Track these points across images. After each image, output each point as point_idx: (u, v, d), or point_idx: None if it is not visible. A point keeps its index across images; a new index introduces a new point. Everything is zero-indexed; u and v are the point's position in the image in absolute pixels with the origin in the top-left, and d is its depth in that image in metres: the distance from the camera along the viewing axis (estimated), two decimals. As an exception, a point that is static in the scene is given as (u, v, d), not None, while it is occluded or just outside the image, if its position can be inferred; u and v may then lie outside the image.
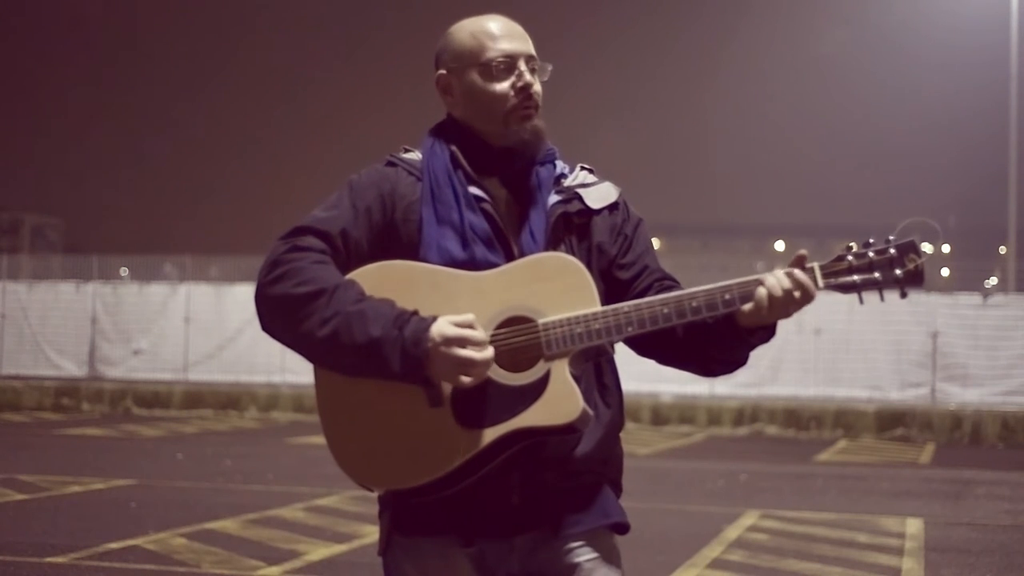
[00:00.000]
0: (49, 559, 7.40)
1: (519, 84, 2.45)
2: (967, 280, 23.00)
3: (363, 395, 2.32)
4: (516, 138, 2.45)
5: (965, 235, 73.66)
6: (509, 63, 2.45)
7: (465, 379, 2.23)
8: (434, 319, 2.25)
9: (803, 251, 2.33)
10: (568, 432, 2.30)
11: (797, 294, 2.28)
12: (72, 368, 22.48)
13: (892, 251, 2.30)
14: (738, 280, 2.32)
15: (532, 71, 2.48)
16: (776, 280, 2.28)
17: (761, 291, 2.28)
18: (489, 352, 2.24)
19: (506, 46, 2.46)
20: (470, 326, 2.24)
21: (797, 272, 2.29)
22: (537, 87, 2.48)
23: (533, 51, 2.49)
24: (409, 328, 2.23)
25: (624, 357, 2.65)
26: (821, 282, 2.30)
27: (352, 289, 2.30)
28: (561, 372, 2.27)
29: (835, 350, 19.12)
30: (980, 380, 18.77)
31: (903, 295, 2.33)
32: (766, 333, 2.37)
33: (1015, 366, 18.72)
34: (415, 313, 2.26)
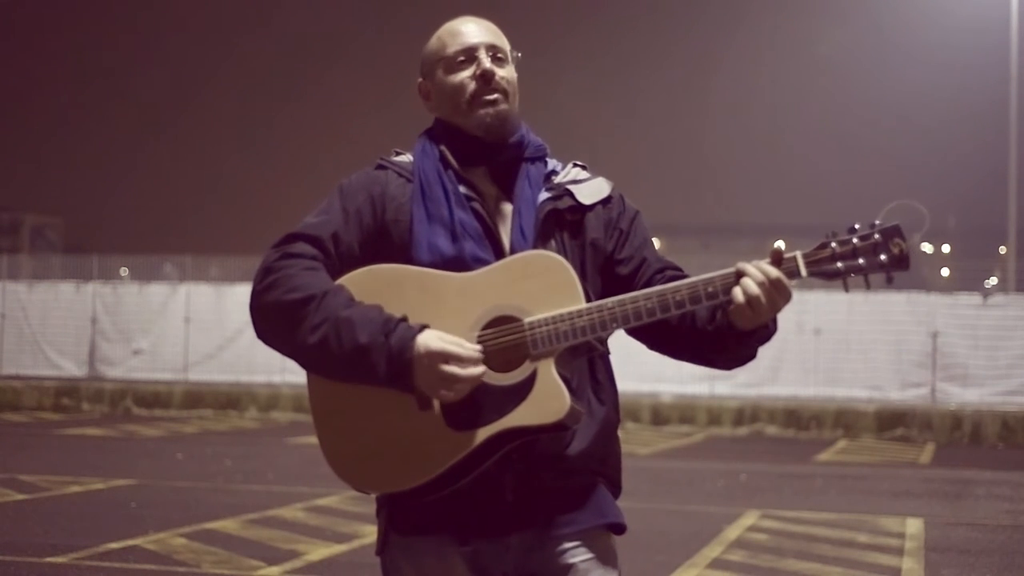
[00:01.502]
0: (49, 559, 7.40)
1: (478, 72, 2.47)
2: (967, 280, 22.97)
3: (354, 399, 2.33)
4: (480, 122, 2.46)
5: (965, 235, 73.54)
6: (468, 55, 2.49)
7: (446, 394, 2.24)
8: (422, 328, 2.26)
9: (779, 244, 2.32)
10: (558, 430, 2.31)
11: (771, 289, 2.26)
12: (72, 368, 22.48)
13: (876, 236, 2.28)
14: (720, 272, 2.31)
15: (496, 59, 2.50)
16: (750, 278, 2.26)
17: (737, 291, 2.27)
18: (477, 370, 2.24)
19: (465, 39, 2.51)
20: (458, 343, 2.24)
21: (769, 267, 2.27)
22: (504, 73, 2.49)
23: (496, 41, 2.52)
24: (395, 336, 2.24)
25: (622, 357, 2.65)
26: (804, 270, 2.28)
27: (340, 295, 2.31)
28: (547, 371, 2.27)
29: (835, 350, 19.12)
30: (980, 380, 18.77)
31: (889, 280, 2.30)
32: (766, 332, 2.37)
33: (1015, 366, 18.72)
34: (403, 320, 2.27)
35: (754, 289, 2.26)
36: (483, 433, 2.28)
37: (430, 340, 2.24)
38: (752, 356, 2.44)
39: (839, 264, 2.28)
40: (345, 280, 2.36)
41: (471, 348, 2.25)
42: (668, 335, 2.45)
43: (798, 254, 2.29)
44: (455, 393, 2.24)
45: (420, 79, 2.58)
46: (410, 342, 2.23)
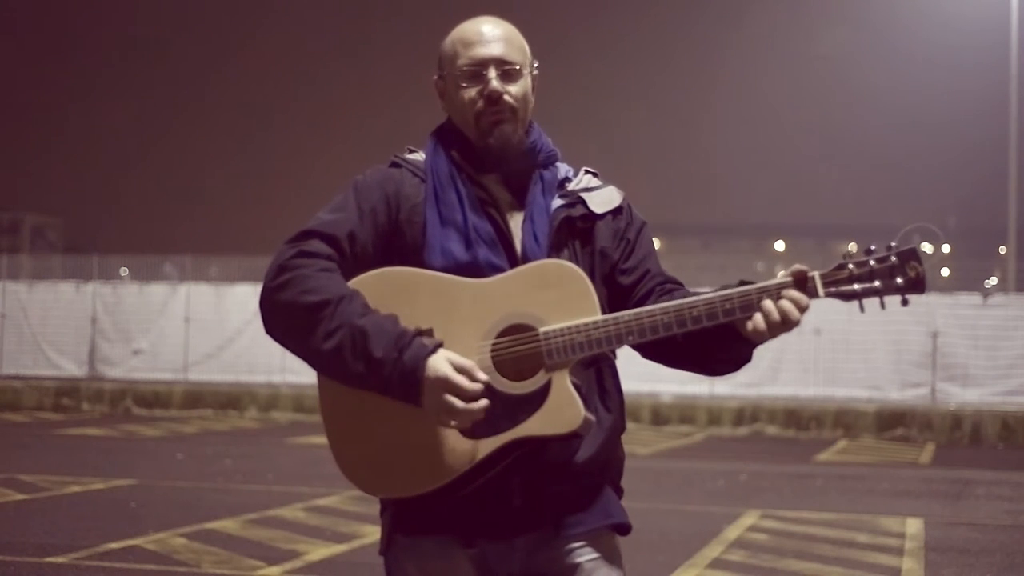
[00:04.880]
0: (49, 559, 7.40)
1: (485, 91, 2.43)
2: (967, 280, 23.00)
3: (366, 402, 2.31)
4: (484, 142, 2.44)
5: (965, 235, 73.52)
6: (476, 70, 2.44)
7: (448, 422, 2.23)
8: (436, 347, 2.23)
9: (803, 267, 2.30)
10: (570, 439, 2.31)
11: (793, 316, 2.27)
12: (72, 368, 22.47)
13: (893, 259, 2.28)
14: (739, 289, 2.30)
15: (505, 75, 2.45)
16: (771, 306, 2.26)
17: (759, 318, 2.26)
18: (478, 404, 2.21)
19: (475, 52, 2.45)
20: (467, 372, 2.22)
21: (796, 294, 2.27)
22: (513, 90, 2.44)
23: (506, 55, 2.45)
24: (408, 353, 2.22)
25: (624, 358, 2.65)
26: (822, 291, 2.29)
27: (356, 301, 2.28)
28: (562, 381, 2.27)
29: (835, 350, 19.11)
30: (980, 380, 18.77)
31: (904, 303, 2.31)
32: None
33: (1015, 366, 18.72)
34: (417, 334, 2.25)
35: (776, 316, 2.26)
36: (495, 441, 2.27)
37: (440, 364, 2.21)
38: (748, 358, 2.43)
39: (856, 286, 2.29)
40: (358, 283, 2.33)
41: (477, 383, 2.22)
42: (669, 345, 2.41)
43: (816, 275, 2.29)
44: (456, 423, 2.22)
45: (436, 76, 2.53)
46: (422, 362, 2.21)
